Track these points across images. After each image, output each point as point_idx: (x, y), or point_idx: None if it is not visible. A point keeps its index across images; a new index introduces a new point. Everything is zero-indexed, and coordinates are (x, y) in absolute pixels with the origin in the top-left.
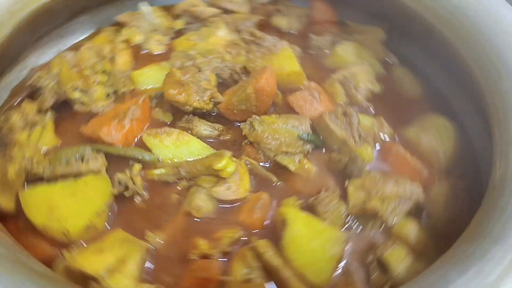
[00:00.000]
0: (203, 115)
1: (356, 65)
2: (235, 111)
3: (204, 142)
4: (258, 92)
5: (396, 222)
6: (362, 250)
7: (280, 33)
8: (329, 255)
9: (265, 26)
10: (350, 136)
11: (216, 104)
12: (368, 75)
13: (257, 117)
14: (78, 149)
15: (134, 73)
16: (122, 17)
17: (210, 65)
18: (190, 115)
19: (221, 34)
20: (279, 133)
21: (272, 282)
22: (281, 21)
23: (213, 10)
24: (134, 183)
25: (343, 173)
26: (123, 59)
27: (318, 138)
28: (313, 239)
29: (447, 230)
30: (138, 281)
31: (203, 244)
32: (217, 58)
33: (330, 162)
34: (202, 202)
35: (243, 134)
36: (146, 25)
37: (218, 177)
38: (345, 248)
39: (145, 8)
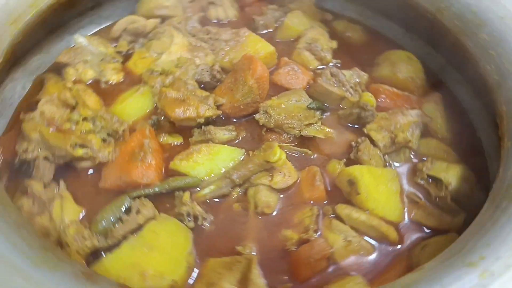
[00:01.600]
0: (213, 122)
1: (310, 30)
2: (241, 106)
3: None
4: (259, 80)
5: (417, 144)
6: (410, 177)
7: (222, 24)
8: (394, 192)
9: (205, 21)
10: (346, 91)
11: (218, 107)
12: (323, 36)
13: (265, 104)
14: (117, 205)
15: (116, 109)
16: (62, 58)
17: (188, 73)
18: (202, 127)
19: (179, 41)
20: (291, 110)
21: (364, 236)
22: (218, 12)
23: (154, 21)
24: (186, 209)
25: (358, 123)
26: (91, 99)
27: (322, 103)
28: (379, 185)
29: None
30: None
31: (291, 234)
32: (190, 65)
33: (341, 119)
34: (268, 198)
35: (260, 124)
36: (91, 57)
37: (269, 169)
38: (401, 182)
39: (81, 40)
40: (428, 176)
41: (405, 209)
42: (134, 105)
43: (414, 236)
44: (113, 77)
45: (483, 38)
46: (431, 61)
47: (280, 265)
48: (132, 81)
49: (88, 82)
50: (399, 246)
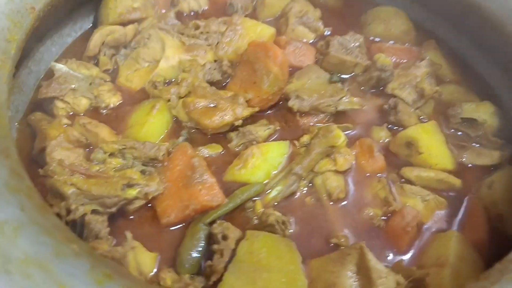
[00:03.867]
0: (245, 122)
1: (292, 2)
2: (269, 97)
3: (270, 141)
4: (282, 66)
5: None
6: (445, 125)
7: (196, 15)
8: (444, 142)
9: (181, 16)
10: (356, 57)
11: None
12: (308, 6)
13: (290, 89)
14: (196, 237)
15: (138, 134)
16: (44, 93)
17: (199, 76)
18: (239, 129)
19: (172, 43)
20: (317, 89)
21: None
22: (190, 4)
23: (133, 27)
24: (274, 218)
25: (378, 86)
26: (104, 131)
27: (339, 74)
28: (432, 140)
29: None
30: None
31: (375, 210)
32: (197, 66)
33: (362, 85)
34: (338, 182)
35: (295, 110)
36: (78, 84)
37: (329, 155)
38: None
39: (59, 66)
40: (462, 119)
41: (455, 155)
42: (156, 125)
43: (474, 178)
44: (112, 99)
45: None
46: (412, 12)
47: (378, 244)
48: (132, 98)
49: (82, 114)
50: (465, 191)
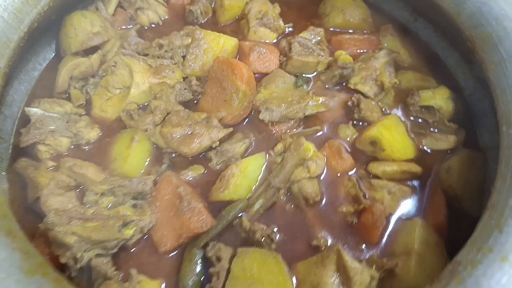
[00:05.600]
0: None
1: (250, 2)
2: (241, 112)
3: (247, 153)
4: (249, 82)
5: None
6: (404, 113)
7: (158, 26)
8: (403, 133)
9: (141, 31)
10: (318, 55)
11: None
12: (266, 4)
13: (259, 100)
14: (193, 262)
15: (123, 168)
16: (25, 140)
17: (171, 100)
18: (214, 149)
19: (139, 68)
20: (284, 96)
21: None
22: (149, 16)
23: (97, 56)
24: (260, 234)
25: (341, 82)
26: (90, 169)
27: (303, 76)
28: (393, 134)
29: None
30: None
31: (347, 208)
32: (167, 89)
33: (326, 83)
34: (312, 188)
35: (266, 122)
36: (55, 124)
37: (301, 163)
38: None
39: (34, 110)
40: (420, 107)
41: (416, 144)
42: (138, 156)
43: (433, 162)
44: (91, 134)
45: None
46: None
47: (353, 239)
48: (110, 129)
49: (66, 153)
50: (427, 178)
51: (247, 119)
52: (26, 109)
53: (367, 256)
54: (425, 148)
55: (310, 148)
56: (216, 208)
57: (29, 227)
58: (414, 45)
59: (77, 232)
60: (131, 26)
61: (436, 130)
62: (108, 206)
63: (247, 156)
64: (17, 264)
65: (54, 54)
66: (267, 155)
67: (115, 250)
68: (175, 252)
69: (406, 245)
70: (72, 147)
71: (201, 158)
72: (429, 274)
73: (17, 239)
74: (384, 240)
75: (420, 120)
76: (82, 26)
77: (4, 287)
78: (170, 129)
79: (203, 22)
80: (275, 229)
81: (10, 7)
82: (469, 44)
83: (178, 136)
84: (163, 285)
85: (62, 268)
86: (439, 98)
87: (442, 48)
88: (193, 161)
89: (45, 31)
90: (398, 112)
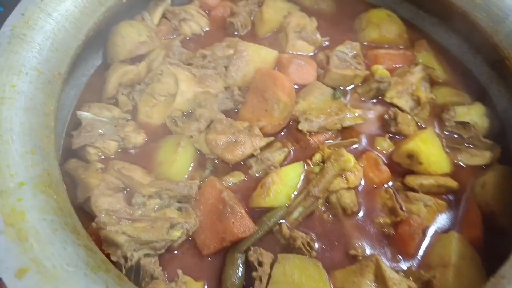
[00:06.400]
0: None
1: (289, 16)
2: (281, 122)
3: (286, 162)
4: (290, 94)
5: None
6: (440, 128)
7: (199, 37)
8: (440, 148)
9: (184, 41)
10: (355, 69)
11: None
12: (304, 18)
13: (298, 110)
14: (235, 265)
15: (169, 172)
16: (76, 143)
17: (214, 108)
18: (254, 157)
19: (184, 77)
20: (323, 107)
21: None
22: (192, 27)
23: (144, 65)
24: (300, 241)
25: (377, 96)
26: (137, 173)
27: (341, 89)
28: (430, 148)
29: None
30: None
31: (384, 219)
32: (209, 98)
33: (363, 96)
34: (350, 198)
35: (305, 132)
36: (104, 128)
37: (341, 173)
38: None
39: (86, 114)
40: (455, 122)
41: (451, 158)
42: (184, 161)
43: (468, 177)
44: (138, 139)
45: None
46: (402, 10)
47: (389, 250)
48: (155, 134)
49: (113, 156)
50: (461, 192)
51: (285, 129)
52: (78, 112)
53: (403, 267)
54: (460, 163)
55: (351, 159)
56: (255, 214)
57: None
58: (448, 61)
59: (127, 231)
60: (175, 36)
61: (471, 146)
62: (154, 208)
63: (285, 165)
64: (84, 259)
65: (101, 61)
66: (305, 164)
67: (163, 250)
68: (216, 255)
69: (443, 258)
70: (119, 150)
71: (242, 165)
72: (466, 287)
73: (81, 236)
74: (420, 252)
75: (455, 135)
76: (130, 36)
77: (74, 281)
78: (215, 136)
79: (242, 34)
80: (313, 237)
81: (70, 17)
82: (507, 62)
83: (222, 143)
84: (205, 286)
85: None
86: (474, 114)
87: (476, 65)
88: (234, 167)
89: (94, 39)
90: (433, 127)
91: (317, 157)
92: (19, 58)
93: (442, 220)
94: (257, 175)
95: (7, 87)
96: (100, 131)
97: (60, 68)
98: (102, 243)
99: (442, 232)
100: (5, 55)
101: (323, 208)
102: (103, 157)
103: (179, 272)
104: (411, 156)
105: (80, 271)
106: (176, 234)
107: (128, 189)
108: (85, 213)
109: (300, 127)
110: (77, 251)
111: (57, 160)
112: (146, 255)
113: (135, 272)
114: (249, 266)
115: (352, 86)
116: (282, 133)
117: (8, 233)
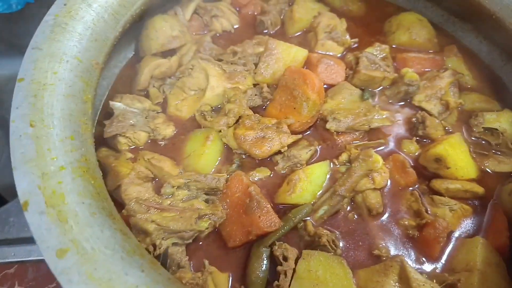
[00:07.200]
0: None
1: (319, 17)
2: (308, 120)
3: (312, 160)
4: (319, 92)
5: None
6: (467, 134)
7: (229, 34)
8: (467, 153)
9: (215, 37)
10: (384, 71)
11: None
12: (334, 19)
13: (326, 110)
14: (261, 258)
15: (197, 165)
16: (108, 132)
17: (243, 104)
18: (281, 153)
19: (214, 73)
20: (351, 108)
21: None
22: (223, 24)
23: (176, 59)
24: (326, 238)
25: (405, 99)
26: (167, 164)
27: (369, 90)
28: (458, 153)
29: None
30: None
31: (409, 221)
32: (239, 94)
33: (391, 98)
34: (376, 199)
35: (333, 131)
36: (135, 119)
37: (367, 174)
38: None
39: (118, 105)
40: (484, 128)
41: (478, 164)
42: (212, 154)
43: (495, 185)
44: (167, 131)
45: None
46: (433, 15)
47: (413, 252)
48: (184, 127)
49: (143, 146)
50: (487, 198)
51: (312, 128)
52: (111, 102)
53: (426, 270)
54: (487, 169)
55: (379, 160)
56: (280, 210)
57: None
58: (477, 67)
59: (156, 220)
60: (205, 32)
61: (498, 152)
62: (183, 198)
63: (312, 163)
64: (120, 243)
65: (133, 53)
66: (331, 163)
67: (190, 240)
68: (241, 248)
69: (467, 263)
70: (149, 141)
71: (268, 161)
72: None
73: (117, 220)
74: (444, 255)
75: (482, 141)
76: (163, 30)
77: (111, 263)
78: (243, 132)
79: (272, 32)
80: (338, 236)
81: (110, 9)
82: None
83: (250, 139)
84: (230, 277)
85: None
86: (503, 121)
87: (506, 72)
88: (260, 163)
89: (127, 32)
90: (461, 132)
91: (344, 156)
92: (60, 46)
93: (467, 225)
94: (283, 172)
95: (49, 74)
96: (131, 121)
97: (98, 58)
98: (131, 230)
99: (467, 237)
100: (48, 42)
101: (348, 208)
102: (133, 147)
103: (206, 262)
104: (438, 160)
105: (117, 254)
106: (204, 225)
107: (157, 179)
108: (114, 201)
109: (328, 126)
110: (114, 234)
111: (93, 147)
112: (174, 244)
113: (162, 261)
114: (272, 261)
115: (380, 88)
116: (309, 131)
117: (49, 214)
